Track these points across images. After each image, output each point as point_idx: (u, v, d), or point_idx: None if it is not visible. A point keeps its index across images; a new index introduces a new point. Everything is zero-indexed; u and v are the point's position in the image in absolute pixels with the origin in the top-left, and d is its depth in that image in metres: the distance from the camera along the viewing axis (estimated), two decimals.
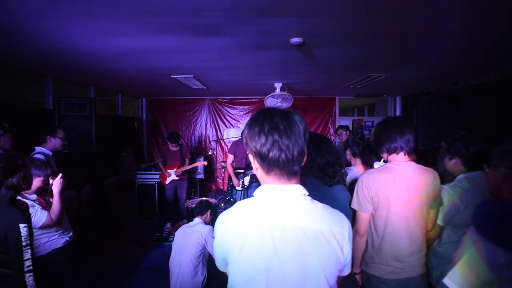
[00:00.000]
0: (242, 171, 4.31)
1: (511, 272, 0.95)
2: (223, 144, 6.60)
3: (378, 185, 1.58)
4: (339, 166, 1.64)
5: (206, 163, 5.32)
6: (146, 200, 5.20)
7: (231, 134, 6.47)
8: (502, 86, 3.80)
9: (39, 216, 2.01)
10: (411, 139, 1.59)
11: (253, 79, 4.33)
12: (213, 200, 4.50)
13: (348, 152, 2.50)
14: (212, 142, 6.50)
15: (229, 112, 6.64)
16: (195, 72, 3.84)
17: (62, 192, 2.17)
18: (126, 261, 3.70)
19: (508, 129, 3.54)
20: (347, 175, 1.80)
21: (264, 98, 4.72)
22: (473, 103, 4.24)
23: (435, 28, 2.20)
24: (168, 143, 4.88)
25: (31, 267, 1.53)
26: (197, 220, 2.77)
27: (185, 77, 4.07)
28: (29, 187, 1.75)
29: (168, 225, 4.81)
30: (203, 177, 6.17)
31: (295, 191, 0.89)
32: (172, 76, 3.99)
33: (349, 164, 2.54)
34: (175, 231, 2.79)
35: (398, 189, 1.56)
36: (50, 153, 2.78)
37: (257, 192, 0.92)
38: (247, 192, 4.43)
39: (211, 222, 2.88)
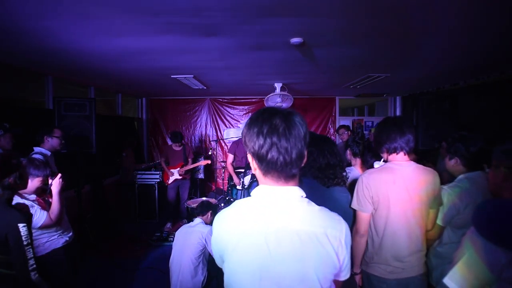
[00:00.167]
0: (242, 170, 4.31)
1: (511, 272, 0.95)
2: (223, 144, 6.61)
3: (378, 185, 1.58)
4: (341, 168, 1.64)
5: (209, 161, 5.33)
6: (146, 200, 5.20)
7: (231, 134, 6.47)
8: (502, 86, 3.80)
9: (38, 216, 2.01)
10: (411, 139, 1.59)
11: (253, 79, 4.33)
12: (213, 200, 4.50)
13: (348, 152, 2.50)
14: (212, 142, 6.50)
15: (229, 112, 6.64)
16: (195, 72, 3.84)
17: (61, 192, 2.17)
18: (126, 261, 3.70)
19: (508, 129, 3.54)
20: (348, 178, 1.80)
21: (264, 98, 4.72)
22: (473, 103, 4.24)
23: (435, 28, 2.20)
24: (171, 142, 4.89)
25: (35, 266, 1.54)
26: (197, 220, 2.77)
27: (185, 77, 4.07)
28: (25, 187, 1.75)
29: (169, 225, 4.81)
30: (203, 177, 6.17)
31: (292, 193, 0.89)
32: (172, 76, 3.99)
33: (349, 164, 2.54)
34: (175, 231, 2.79)
35: (398, 189, 1.56)
36: (49, 153, 2.78)
37: (254, 192, 0.92)
38: (248, 191, 4.43)
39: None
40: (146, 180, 5.21)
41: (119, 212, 5.17)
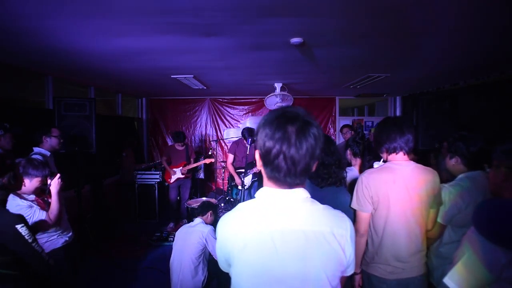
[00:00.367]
0: (243, 170, 4.31)
1: (511, 272, 0.95)
2: (223, 144, 6.61)
3: (378, 184, 1.58)
4: (338, 168, 1.63)
5: (213, 160, 5.34)
6: (146, 200, 5.20)
7: (231, 134, 6.47)
8: (502, 86, 3.80)
9: (37, 216, 2.00)
10: (411, 139, 1.59)
11: (253, 79, 4.33)
12: (213, 200, 4.50)
13: (348, 152, 2.50)
14: (212, 142, 6.50)
15: (229, 112, 6.64)
16: (195, 72, 3.84)
17: (60, 192, 2.17)
18: (126, 261, 3.70)
19: (508, 129, 3.54)
20: (344, 178, 1.80)
21: (264, 98, 4.72)
22: (473, 103, 4.24)
23: (435, 28, 2.20)
24: (172, 142, 4.89)
25: (44, 251, 1.63)
26: (198, 220, 2.77)
27: (185, 77, 4.07)
28: (19, 187, 1.75)
29: (171, 224, 4.81)
30: (203, 177, 6.17)
31: (297, 194, 0.88)
32: (172, 76, 3.99)
33: (349, 164, 2.53)
34: (176, 231, 2.80)
35: (398, 188, 1.56)
36: (48, 153, 2.78)
37: (258, 194, 0.92)
38: (249, 191, 4.43)
39: (214, 223, 2.89)
40: (146, 180, 5.21)
41: (119, 212, 5.17)
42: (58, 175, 2.16)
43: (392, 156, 1.63)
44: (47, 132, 2.79)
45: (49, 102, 3.97)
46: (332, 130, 6.53)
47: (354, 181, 1.76)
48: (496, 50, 2.75)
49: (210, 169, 6.40)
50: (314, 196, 1.58)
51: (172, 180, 4.84)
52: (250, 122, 6.38)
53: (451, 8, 1.84)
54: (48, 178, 2.10)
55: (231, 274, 0.92)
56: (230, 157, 4.51)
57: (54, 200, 2.10)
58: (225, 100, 6.61)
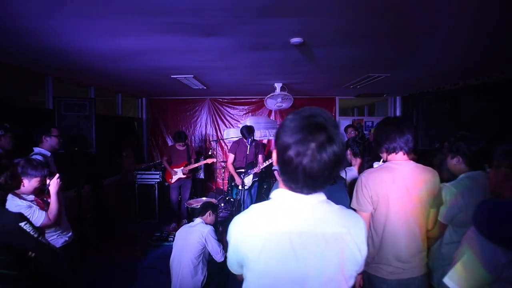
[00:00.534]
0: (243, 171, 4.31)
1: (511, 272, 0.95)
2: (223, 144, 6.61)
3: (377, 184, 1.58)
4: None
5: (215, 159, 5.34)
6: (146, 200, 5.20)
7: (231, 134, 6.47)
8: (502, 86, 3.80)
9: (36, 216, 2.00)
10: (410, 139, 1.59)
11: (253, 79, 4.33)
12: (213, 200, 4.50)
13: (348, 152, 2.50)
14: (212, 142, 6.50)
15: (229, 112, 6.64)
16: (195, 72, 3.84)
17: (59, 192, 2.16)
18: (126, 261, 3.70)
19: (508, 129, 3.54)
20: (338, 176, 1.79)
21: (264, 98, 4.72)
22: (473, 103, 4.24)
23: (435, 28, 2.20)
24: (172, 142, 4.89)
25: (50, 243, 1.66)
26: (198, 220, 2.78)
27: (185, 77, 4.07)
28: (18, 187, 1.74)
29: (174, 224, 4.81)
30: (203, 177, 6.17)
31: (312, 197, 0.87)
32: (172, 76, 3.99)
33: (349, 164, 2.54)
34: (176, 231, 2.80)
35: (398, 188, 1.56)
36: (49, 153, 2.78)
37: (274, 195, 0.90)
38: (249, 192, 4.42)
39: (214, 223, 2.90)
40: (146, 180, 5.21)
41: (119, 212, 5.17)
42: (57, 175, 2.16)
43: (392, 156, 1.63)
44: (47, 131, 2.79)
45: (49, 102, 3.97)
46: None
47: (354, 181, 1.77)
48: (496, 50, 2.75)
49: (210, 169, 6.40)
50: None
51: (173, 180, 4.84)
52: (250, 122, 6.38)
53: (451, 8, 1.84)
54: (47, 178, 2.10)
55: (245, 277, 0.91)
56: (231, 156, 4.51)
57: (53, 200, 2.10)
58: (225, 100, 6.61)
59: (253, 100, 6.56)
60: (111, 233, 4.46)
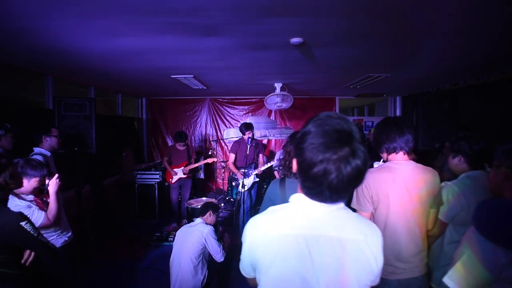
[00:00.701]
0: (245, 171, 4.30)
1: (511, 272, 0.95)
2: (223, 144, 6.61)
3: (378, 184, 1.58)
4: None
5: (215, 159, 5.33)
6: (146, 200, 5.20)
7: (231, 134, 6.48)
8: (502, 86, 3.80)
9: (36, 216, 2.00)
10: (410, 139, 1.59)
11: (253, 79, 4.33)
12: (213, 200, 4.50)
13: None
14: (212, 142, 6.50)
15: (229, 112, 6.64)
16: (195, 72, 3.84)
17: (59, 192, 2.16)
18: (126, 261, 3.70)
19: (508, 129, 3.54)
20: None
21: (264, 98, 4.72)
22: (473, 103, 4.24)
23: (435, 28, 2.20)
24: (173, 142, 4.90)
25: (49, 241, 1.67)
26: (198, 220, 2.78)
27: (185, 77, 4.07)
28: (18, 186, 1.74)
29: (174, 224, 4.81)
30: (203, 177, 6.17)
31: (331, 205, 0.86)
32: (172, 76, 3.99)
33: None
34: (176, 231, 2.81)
35: (398, 187, 1.56)
36: (49, 153, 2.78)
37: (293, 199, 0.90)
38: (249, 192, 4.42)
39: (215, 224, 2.90)
40: (146, 180, 5.21)
41: (119, 212, 5.17)
42: (56, 175, 2.15)
43: (392, 156, 1.63)
44: (47, 131, 2.79)
45: (49, 102, 3.97)
46: None
47: None
48: (496, 50, 2.75)
49: (210, 169, 6.40)
50: None
51: (174, 180, 4.85)
52: (250, 122, 6.39)
53: (451, 8, 1.84)
54: (46, 178, 2.10)
55: (259, 280, 0.90)
56: (232, 156, 4.51)
57: (52, 200, 2.10)
58: (225, 100, 6.61)
59: (253, 100, 6.56)
60: (111, 233, 4.45)
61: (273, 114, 6.59)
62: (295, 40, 2.40)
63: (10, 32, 2.21)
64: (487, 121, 3.95)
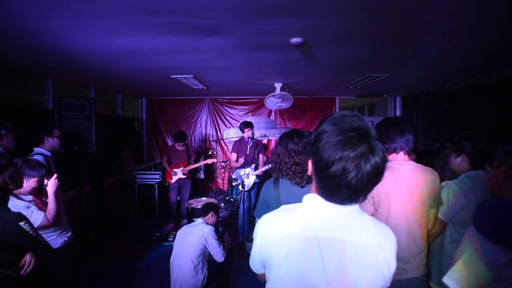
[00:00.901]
0: (245, 171, 4.30)
1: (511, 272, 0.95)
2: (223, 144, 6.61)
3: (379, 184, 1.58)
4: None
5: (215, 160, 5.32)
6: (146, 200, 5.20)
7: (231, 134, 6.47)
8: (502, 86, 3.80)
9: (35, 217, 1.99)
10: (411, 139, 1.60)
11: (253, 79, 4.33)
12: (213, 200, 4.50)
13: None
14: (212, 142, 6.50)
15: (229, 112, 6.64)
16: (195, 72, 3.84)
17: (57, 192, 2.15)
18: (126, 261, 3.70)
19: (508, 129, 3.54)
20: None
21: (264, 98, 4.72)
22: (473, 103, 4.24)
23: (435, 28, 2.20)
24: (172, 142, 4.89)
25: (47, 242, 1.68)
26: (199, 220, 2.78)
27: (185, 77, 4.07)
28: (18, 187, 1.73)
29: (171, 225, 4.81)
30: (203, 177, 6.17)
31: (345, 207, 0.85)
32: (172, 76, 3.99)
33: None
34: (175, 231, 2.80)
35: (399, 187, 1.56)
36: (49, 153, 2.77)
37: (306, 199, 0.89)
38: (249, 193, 4.42)
39: (215, 224, 2.90)
40: (146, 180, 5.21)
41: (119, 212, 5.17)
42: (55, 175, 2.14)
43: (393, 156, 1.63)
44: (49, 132, 2.79)
45: (49, 102, 3.97)
46: None
47: None
48: (496, 50, 2.75)
49: (210, 169, 6.40)
50: (296, 197, 1.58)
51: (173, 180, 4.84)
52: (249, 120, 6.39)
53: (451, 8, 1.84)
54: (45, 178, 2.09)
55: (268, 278, 0.90)
56: (234, 155, 4.50)
57: (51, 200, 2.09)
58: (225, 100, 6.61)
59: (253, 100, 6.56)
60: (111, 233, 4.45)
61: (273, 114, 6.59)
62: (295, 40, 2.40)
63: (10, 32, 2.21)
64: (487, 121, 3.95)
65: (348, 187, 0.76)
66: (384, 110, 6.86)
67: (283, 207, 0.92)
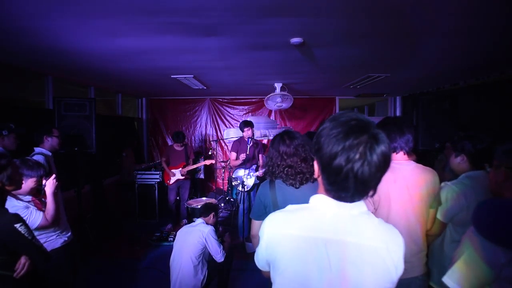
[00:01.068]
0: (246, 172, 4.29)
1: (511, 271, 0.95)
2: (223, 144, 6.61)
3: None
4: (305, 162, 1.61)
5: (213, 161, 5.30)
6: (146, 200, 5.20)
7: (231, 134, 6.47)
8: (502, 86, 3.80)
9: (34, 217, 1.99)
10: (411, 139, 1.60)
11: (253, 79, 4.33)
12: (213, 200, 4.50)
13: None
14: (212, 142, 6.50)
15: (229, 112, 6.64)
16: (195, 72, 3.84)
17: (56, 192, 2.14)
18: (126, 261, 3.70)
19: (508, 129, 3.54)
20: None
21: (264, 98, 4.72)
22: (473, 103, 4.24)
23: (435, 28, 2.20)
24: (173, 142, 4.89)
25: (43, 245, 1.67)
26: (199, 220, 2.78)
27: (185, 77, 4.07)
28: (17, 188, 1.73)
29: (169, 225, 4.81)
30: (203, 177, 6.17)
31: (356, 207, 0.84)
32: (172, 76, 3.99)
33: None
34: (175, 231, 2.80)
35: (399, 187, 1.56)
36: (50, 153, 2.77)
37: (314, 200, 0.88)
38: (249, 194, 4.42)
39: (215, 224, 2.90)
40: (146, 180, 5.21)
41: (119, 212, 5.17)
42: (54, 175, 2.14)
43: (392, 156, 1.63)
44: (49, 132, 2.79)
45: (49, 102, 3.97)
46: None
47: None
48: (496, 50, 2.75)
49: (210, 169, 6.39)
50: (292, 197, 1.59)
51: (172, 181, 4.83)
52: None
53: (451, 8, 1.84)
54: (43, 179, 2.08)
55: (273, 279, 0.89)
56: (233, 155, 4.50)
57: (49, 200, 2.08)
58: (225, 100, 6.61)
59: (253, 100, 6.56)
60: (111, 233, 4.46)
61: (273, 114, 6.59)
62: (295, 40, 2.40)
63: (10, 32, 2.21)
64: (487, 121, 3.95)
65: (356, 178, 0.75)
66: (384, 110, 6.86)
67: (289, 207, 0.91)
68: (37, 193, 2.13)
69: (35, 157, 2.53)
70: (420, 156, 2.82)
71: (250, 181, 4.33)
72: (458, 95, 3.85)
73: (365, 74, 3.93)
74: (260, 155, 4.53)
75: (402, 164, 1.60)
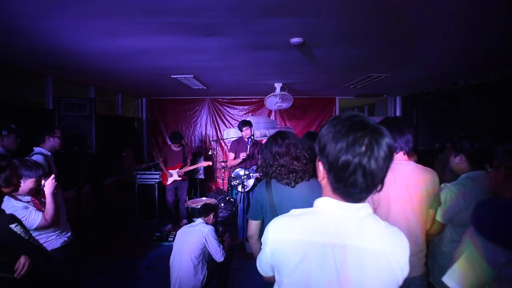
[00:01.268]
0: (246, 172, 4.29)
1: (510, 271, 0.95)
2: (223, 144, 6.61)
3: None
4: (297, 161, 1.61)
5: (210, 163, 5.29)
6: (146, 200, 5.20)
7: (231, 134, 6.47)
8: (502, 86, 3.80)
9: (33, 217, 1.98)
10: (411, 139, 1.60)
11: (253, 79, 4.33)
12: (213, 200, 4.50)
13: None
14: (212, 142, 6.50)
15: (229, 112, 6.64)
16: (195, 72, 3.84)
17: (56, 192, 2.14)
18: (126, 261, 3.70)
19: (508, 129, 3.54)
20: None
21: (264, 98, 4.72)
22: (473, 103, 4.24)
23: (435, 28, 2.20)
24: (170, 143, 4.88)
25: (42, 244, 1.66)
26: (199, 220, 2.78)
27: (185, 77, 4.07)
28: (14, 190, 1.72)
29: (169, 226, 4.81)
30: (203, 177, 6.17)
31: (361, 209, 0.84)
32: (172, 76, 3.99)
33: None
34: (175, 231, 2.81)
35: (399, 187, 1.56)
36: (49, 153, 2.77)
37: (319, 203, 0.87)
38: (248, 195, 4.41)
39: (214, 224, 2.91)
40: (146, 180, 5.21)
41: (119, 212, 5.17)
42: (52, 175, 2.13)
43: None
44: (51, 132, 2.79)
45: (49, 102, 3.97)
46: None
47: None
48: (496, 50, 2.75)
49: (210, 169, 6.39)
50: (288, 197, 1.59)
51: (169, 182, 4.82)
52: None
53: (451, 8, 1.84)
54: (42, 179, 2.08)
55: (278, 282, 0.88)
56: (231, 155, 4.49)
57: (48, 201, 2.07)
58: (225, 100, 6.61)
59: (253, 100, 6.56)
60: (111, 233, 4.46)
61: (273, 114, 6.59)
62: (295, 40, 2.40)
63: (10, 32, 2.21)
64: (487, 121, 3.95)
65: (364, 171, 0.75)
66: (384, 110, 6.86)
67: (293, 211, 0.90)
68: (37, 193, 2.13)
69: (34, 157, 2.53)
70: (420, 156, 2.82)
71: (249, 182, 4.33)
72: (458, 95, 3.86)
73: (365, 74, 3.93)
74: (259, 155, 4.52)
75: (402, 164, 1.60)
